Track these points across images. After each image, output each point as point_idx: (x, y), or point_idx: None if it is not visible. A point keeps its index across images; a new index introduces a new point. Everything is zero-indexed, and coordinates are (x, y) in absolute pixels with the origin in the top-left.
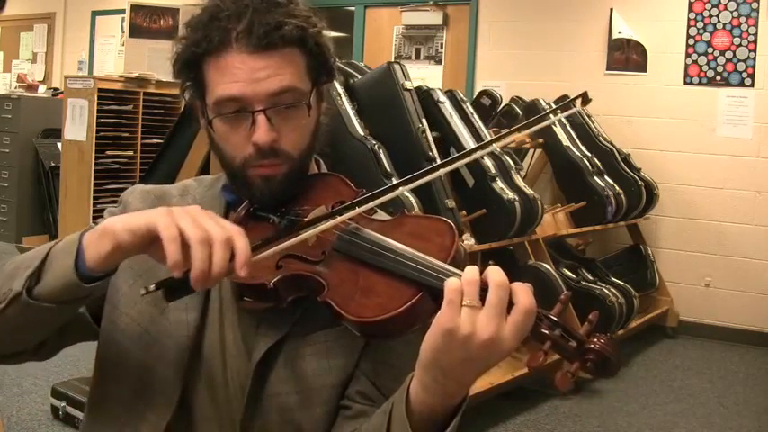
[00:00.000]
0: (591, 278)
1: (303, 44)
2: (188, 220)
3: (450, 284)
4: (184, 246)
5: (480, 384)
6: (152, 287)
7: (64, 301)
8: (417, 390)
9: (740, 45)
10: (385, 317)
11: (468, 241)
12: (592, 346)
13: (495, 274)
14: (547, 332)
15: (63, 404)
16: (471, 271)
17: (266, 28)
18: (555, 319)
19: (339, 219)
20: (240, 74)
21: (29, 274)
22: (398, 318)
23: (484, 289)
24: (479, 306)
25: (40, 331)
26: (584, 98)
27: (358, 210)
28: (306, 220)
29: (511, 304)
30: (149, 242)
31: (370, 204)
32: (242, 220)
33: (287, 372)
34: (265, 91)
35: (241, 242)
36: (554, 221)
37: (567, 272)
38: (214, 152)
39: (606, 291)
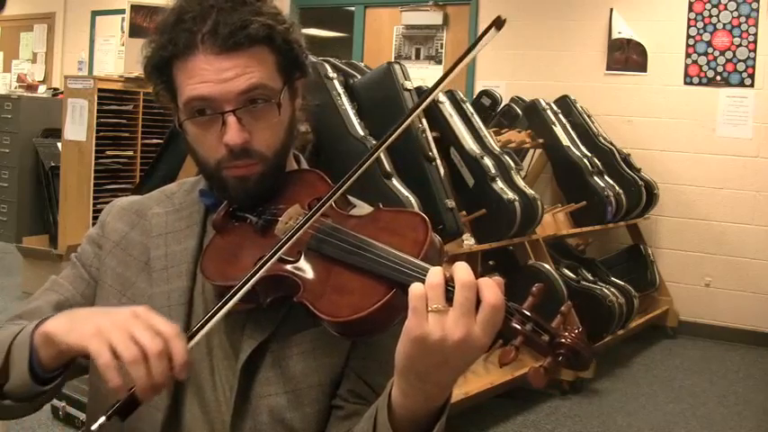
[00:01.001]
0: (591, 278)
1: (271, 42)
2: (120, 337)
3: (414, 291)
4: (122, 364)
5: (480, 384)
6: (103, 420)
7: (32, 398)
8: (397, 395)
9: (740, 45)
10: (358, 316)
11: (469, 241)
12: (563, 339)
13: (460, 272)
14: (518, 327)
15: (63, 404)
16: (434, 274)
17: (231, 28)
18: (527, 313)
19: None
20: (207, 74)
21: None
22: (372, 316)
23: (452, 287)
24: (446, 309)
25: (22, 414)
26: (498, 22)
27: (300, 230)
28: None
29: (478, 301)
30: (84, 356)
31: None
32: (221, 221)
33: (274, 372)
34: (234, 90)
35: (177, 346)
36: (554, 221)
37: (567, 272)
38: (190, 154)
39: (606, 291)
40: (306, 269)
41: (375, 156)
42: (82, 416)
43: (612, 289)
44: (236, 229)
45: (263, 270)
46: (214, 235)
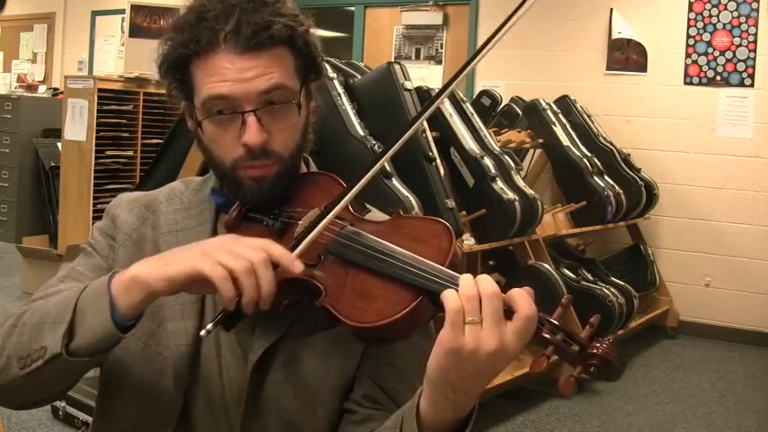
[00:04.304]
0: (591, 278)
1: (292, 43)
2: (226, 255)
3: (451, 305)
4: (234, 279)
5: None
6: (210, 327)
7: (102, 351)
8: (427, 407)
9: (740, 45)
10: (384, 322)
11: (469, 241)
12: (595, 350)
13: (485, 284)
14: (549, 337)
15: (63, 404)
16: (469, 286)
17: (254, 28)
18: (556, 323)
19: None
20: (229, 73)
21: (63, 331)
22: (398, 323)
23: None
24: (480, 320)
25: (73, 382)
26: None
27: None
28: (300, 224)
29: (512, 311)
30: (188, 285)
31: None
32: (234, 221)
33: (285, 374)
34: (255, 90)
35: (277, 251)
36: (554, 221)
37: (567, 272)
38: (203, 153)
39: (606, 291)
40: (327, 273)
41: (390, 153)
42: (82, 416)
43: (612, 289)
44: (250, 231)
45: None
46: (226, 235)
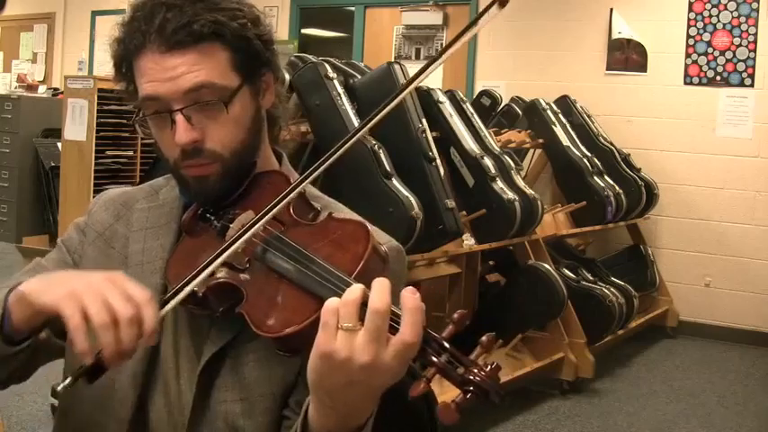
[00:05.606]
0: (591, 278)
1: (221, 38)
2: (93, 301)
3: (326, 306)
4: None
5: None
6: (69, 381)
7: (1, 360)
8: (312, 412)
9: (740, 45)
10: (287, 332)
11: (468, 241)
12: (472, 376)
13: (374, 296)
14: (434, 359)
15: None
16: (352, 291)
17: (176, 25)
18: (444, 344)
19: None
20: (155, 73)
21: None
22: (302, 333)
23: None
24: (358, 328)
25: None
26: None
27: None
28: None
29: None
30: (57, 318)
31: (267, 217)
32: (190, 222)
33: (232, 379)
34: (179, 89)
35: (148, 313)
36: (554, 221)
37: (566, 272)
38: (157, 152)
39: (606, 291)
40: (251, 279)
41: (319, 171)
42: None
43: (612, 289)
44: (202, 232)
45: (207, 270)
46: (183, 236)
